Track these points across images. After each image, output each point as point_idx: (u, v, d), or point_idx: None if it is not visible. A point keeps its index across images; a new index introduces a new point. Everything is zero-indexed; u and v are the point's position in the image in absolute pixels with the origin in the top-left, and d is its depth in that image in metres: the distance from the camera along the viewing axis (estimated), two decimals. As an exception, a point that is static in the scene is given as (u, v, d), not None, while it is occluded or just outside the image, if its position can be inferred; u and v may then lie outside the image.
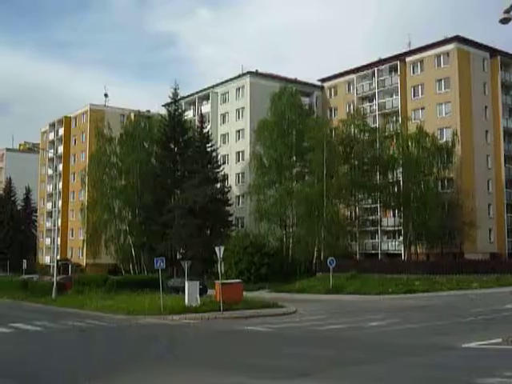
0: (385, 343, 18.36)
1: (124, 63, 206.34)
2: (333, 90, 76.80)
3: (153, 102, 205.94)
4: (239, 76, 75.88)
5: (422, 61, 65.86)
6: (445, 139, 59.77)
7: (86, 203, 72.00)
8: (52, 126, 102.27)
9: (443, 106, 63.10)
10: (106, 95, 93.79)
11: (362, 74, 72.00)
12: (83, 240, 74.21)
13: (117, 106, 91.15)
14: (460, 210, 57.69)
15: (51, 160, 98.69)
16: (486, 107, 64.54)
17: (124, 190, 68.38)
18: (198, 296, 32.74)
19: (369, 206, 64.72)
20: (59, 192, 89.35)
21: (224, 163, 71.52)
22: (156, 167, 69.22)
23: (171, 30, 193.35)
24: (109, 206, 68.36)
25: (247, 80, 74.41)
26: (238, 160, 74.04)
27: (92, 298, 38.56)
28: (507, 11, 16.83)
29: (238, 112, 75.30)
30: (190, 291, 32.40)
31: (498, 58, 65.53)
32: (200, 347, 19.39)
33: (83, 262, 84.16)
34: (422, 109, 64.93)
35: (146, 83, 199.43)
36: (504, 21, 17.07)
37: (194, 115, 77.86)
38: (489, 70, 65.35)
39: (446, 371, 13.39)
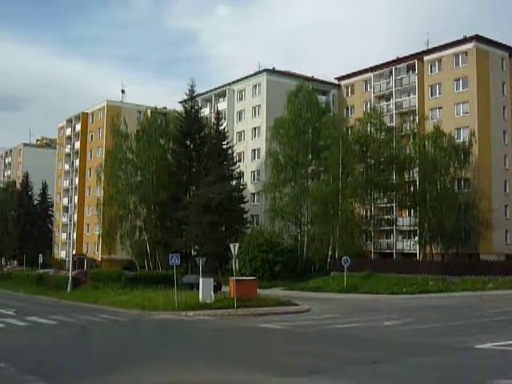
0: (398, 343, 18.30)
1: (143, 60, 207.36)
2: (350, 89, 76.63)
3: (171, 98, 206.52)
4: (256, 73, 75.88)
5: (440, 60, 65.48)
6: (462, 139, 59.44)
7: (102, 199, 72.20)
8: (69, 121, 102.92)
9: (461, 105, 62.75)
10: (122, 91, 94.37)
11: (379, 72, 71.72)
12: (99, 235, 74.54)
13: (133, 102, 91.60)
14: (476, 211, 57.23)
15: (68, 155, 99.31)
16: (504, 107, 64.05)
17: (140, 186, 68.49)
18: (212, 292, 32.79)
19: (384, 206, 64.46)
20: (75, 187, 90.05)
21: (240, 161, 71.63)
22: (172, 164, 69.38)
23: (191, 27, 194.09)
24: (124, 201, 68.51)
25: (264, 77, 74.39)
26: (254, 158, 74.08)
27: (107, 293, 38.73)
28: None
29: (255, 109, 75.32)
30: (205, 288, 32.45)
31: (518, 57, 65.03)
32: (214, 344, 19.43)
33: (98, 257, 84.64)
34: (440, 108, 64.59)
35: (164, 80, 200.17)
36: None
37: (211, 112, 77.90)
38: (508, 69, 64.83)
39: (459, 372, 13.34)
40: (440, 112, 64.42)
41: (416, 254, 61.21)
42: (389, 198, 62.64)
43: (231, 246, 32.43)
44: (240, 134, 77.05)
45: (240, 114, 78.01)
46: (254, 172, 73.93)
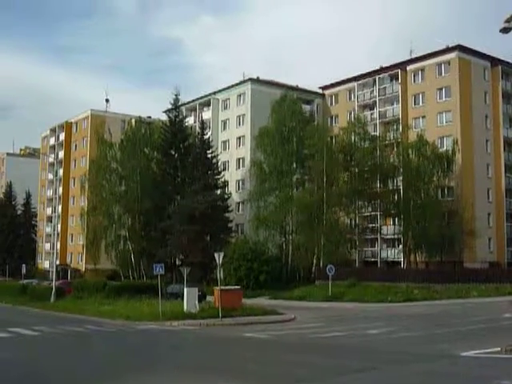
0: (383, 351, 18.32)
1: (127, 69, 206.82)
2: (334, 98, 76.91)
3: (155, 108, 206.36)
4: (240, 83, 75.92)
5: (423, 69, 65.97)
6: (445, 148, 59.86)
7: (86, 208, 71.93)
8: (53, 130, 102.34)
9: (444, 114, 63.17)
10: (107, 100, 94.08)
11: (362, 82, 72.05)
12: (83, 245, 74.25)
13: (118, 111, 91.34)
14: (460, 219, 57.66)
15: (51, 165, 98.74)
16: (486, 116, 64.61)
17: (124, 195, 68.41)
18: (196, 302, 32.71)
19: (369, 214, 64.73)
20: (59, 197, 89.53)
21: (224, 170, 71.59)
22: (156, 173, 69.28)
23: (175, 37, 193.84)
24: (108, 211, 68.35)
25: (248, 87, 74.46)
26: (239, 167, 74.04)
27: (91, 304, 38.52)
28: (508, 21, 16.92)
29: (239, 119, 75.34)
30: (189, 297, 32.37)
31: (499, 67, 65.64)
32: (199, 354, 19.34)
33: (82, 268, 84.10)
34: (423, 117, 65.04)
35: (149, 89, 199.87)
36: (504, 30, 17.15)
37: (195, 121, 77.89)
38: (490, 79, 65.46)
39: (445, 380, 13.39)
40: (423, 121, 64.87)
41: (400, 262, 61.38)
42: (373, 206, 62.91)
43: (216, 255, 32.38)
44: (225, 143, 77.01)
45: (224, 123, 77.95)
46: (238, 181, 73.88)
